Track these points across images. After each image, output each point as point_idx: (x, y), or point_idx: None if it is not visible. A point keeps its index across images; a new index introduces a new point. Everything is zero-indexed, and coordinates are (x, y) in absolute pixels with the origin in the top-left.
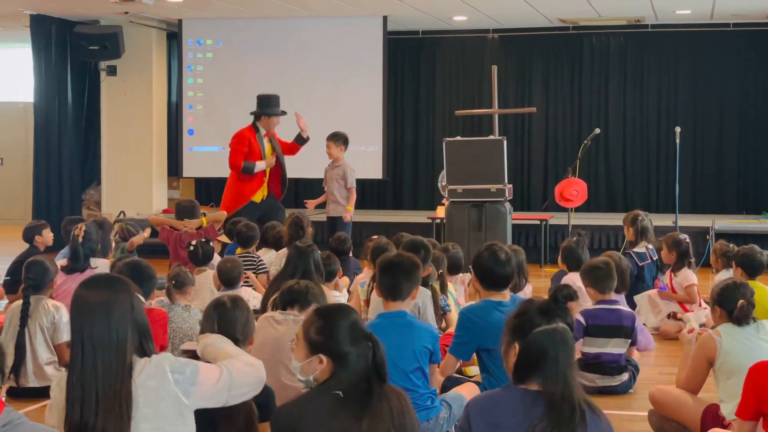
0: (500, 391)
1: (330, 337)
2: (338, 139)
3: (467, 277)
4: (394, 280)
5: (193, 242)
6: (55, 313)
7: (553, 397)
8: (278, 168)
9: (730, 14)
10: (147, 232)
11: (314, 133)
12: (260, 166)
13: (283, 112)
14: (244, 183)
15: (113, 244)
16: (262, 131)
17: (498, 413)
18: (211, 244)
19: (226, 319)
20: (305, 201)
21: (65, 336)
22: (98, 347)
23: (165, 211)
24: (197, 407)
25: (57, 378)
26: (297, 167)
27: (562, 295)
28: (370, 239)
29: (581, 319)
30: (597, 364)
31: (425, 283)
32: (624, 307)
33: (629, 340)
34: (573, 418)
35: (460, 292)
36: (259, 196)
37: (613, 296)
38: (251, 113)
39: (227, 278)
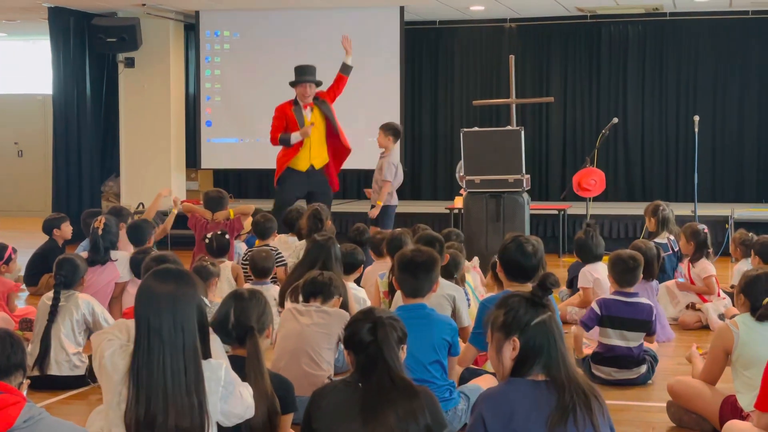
0: (505, 385)
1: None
2: (383, 127)
3: (476, 261)
4: (414, 279)
5: (209, 235)
6: (85, 308)
7: (560, 383)
8: (333, 139)
9: (750, 1)
10: (172, 216)
11: None
12: (295, 137)
13: (315, 81)
14: (285, 151)
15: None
16: (301, 102)
17: (510, 404)
18: (227, 237)
19: (241, 308)
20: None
21: (104, 324)
22: (166, 343)
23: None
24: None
25: (109, 345)
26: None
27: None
28: (378, 232)
29: (596, 309)
30: (613, 357)
31: (450, 274)
32: (642, 300)
33: (644, 333)
34: (588, 399)
35: (476, 279)
36: (302, 164)
37: (642, 283)
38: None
39: (261, 268)
